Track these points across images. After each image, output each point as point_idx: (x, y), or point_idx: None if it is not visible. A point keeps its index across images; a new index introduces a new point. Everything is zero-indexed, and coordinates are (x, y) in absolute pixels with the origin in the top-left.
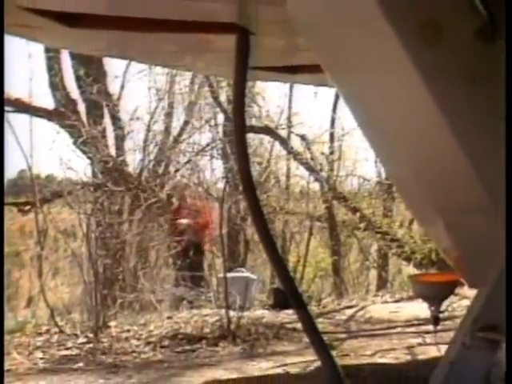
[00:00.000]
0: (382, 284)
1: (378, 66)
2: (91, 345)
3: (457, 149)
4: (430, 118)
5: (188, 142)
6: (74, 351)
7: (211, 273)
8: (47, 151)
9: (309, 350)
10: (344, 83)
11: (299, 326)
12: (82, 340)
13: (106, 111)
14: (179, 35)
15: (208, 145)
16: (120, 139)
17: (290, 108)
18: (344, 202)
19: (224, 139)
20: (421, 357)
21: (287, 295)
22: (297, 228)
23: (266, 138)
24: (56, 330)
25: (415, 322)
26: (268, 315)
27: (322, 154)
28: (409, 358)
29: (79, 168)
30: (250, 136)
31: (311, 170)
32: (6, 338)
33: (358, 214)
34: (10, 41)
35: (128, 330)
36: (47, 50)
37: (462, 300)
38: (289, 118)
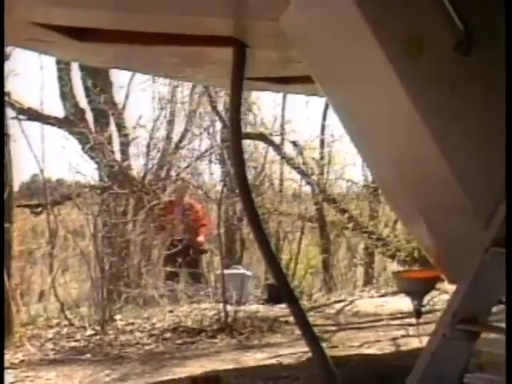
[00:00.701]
0: (369, 280)
1: (364, 77)
2: (98, 337)
3: (437, 154)
4: (413, 125)
5: (188, 147)
6: (83, 343)
7: (209, 270)
8: (57, 157)
9: (300, 342)
10: (333, 93)
11: (291, 319)
12: (89, 332)
13: (111, 119)
14: (180, 48)
15: (207, 150)
16: (125, 145)
17: (283, 116)
18: (333, 204)
19: (222, 145)
20: (404, 348)
21: (280, 290)
22: (289, 228)
23: (261, 144)
24: (66, 323)
25: (399, 315)
26: (262, 309)
27: (313, 159)
28: (393, 348)
29: (87, 172)
30: (246, 142)
31: (303, 173)
32: (20, 330)
33: (346, 215)
34: (23, 54)
35: (132, 323)
36: (58, 63)
37: (442, 294)
38: (282, 126)
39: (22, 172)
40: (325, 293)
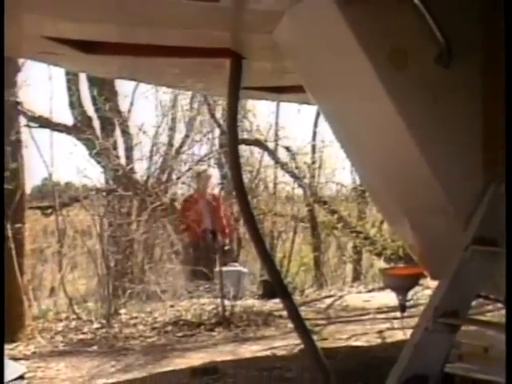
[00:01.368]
0: (357, 276)
1: (352, 87)
2: (104, 330)
3: (420, 158)
4: (398, 132)
5: (188, 152)
6: (90, 335)
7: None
8: (66, 161)
9: (293, 335)
10: (323, 102)
11: (285, 313)
12: (96, 326)
13: (117, 126)
14: (181, 60)
15: (206, 155)
16: (129, 150)
17: (277, 123)
18: (324, 205)
19: (220, 150)
20: (389, 340)
21: (274, 286)
22: (283, 228)
23: (256, 150)
24: (74, 317)
25: (385, 310)
26: (258, 304)
27: (305, 163)
28: (379, 341)
29: (94, 176)
30: (243, 148)
31: (295, 177)
32: (32, 323)
33: (336, 216)
34: (35, 66)
35: (136, 317)
36: (67, 73)
37: (425, 290)
38: (276, 132)
39: (33, 176)
40: (316, 288)
